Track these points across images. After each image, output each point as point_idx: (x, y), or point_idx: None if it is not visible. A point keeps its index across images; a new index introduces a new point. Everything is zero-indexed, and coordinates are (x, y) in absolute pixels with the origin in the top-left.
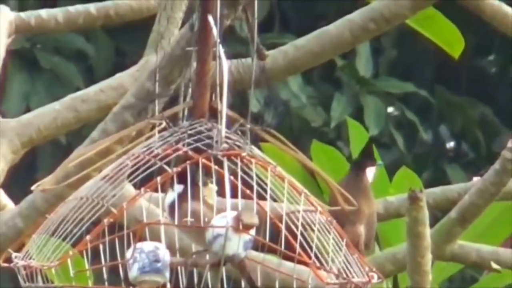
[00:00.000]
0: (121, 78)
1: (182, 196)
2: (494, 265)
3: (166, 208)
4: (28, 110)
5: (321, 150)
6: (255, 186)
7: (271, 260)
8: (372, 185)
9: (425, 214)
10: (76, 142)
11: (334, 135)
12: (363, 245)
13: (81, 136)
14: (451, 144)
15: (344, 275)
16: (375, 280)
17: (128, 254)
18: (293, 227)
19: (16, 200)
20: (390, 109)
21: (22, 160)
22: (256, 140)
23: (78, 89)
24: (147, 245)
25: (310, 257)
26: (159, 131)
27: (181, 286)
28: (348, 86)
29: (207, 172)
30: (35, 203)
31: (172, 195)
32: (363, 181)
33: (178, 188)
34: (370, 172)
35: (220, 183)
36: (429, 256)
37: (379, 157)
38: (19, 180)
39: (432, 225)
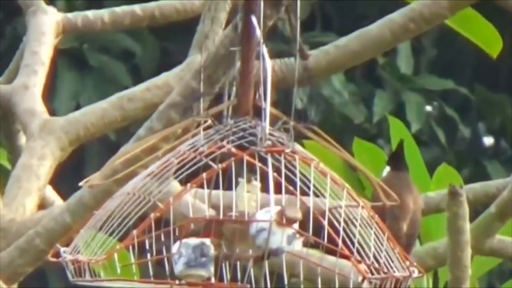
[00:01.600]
0: (167, 77)
1: None
2: None
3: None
4: (78, 108)
5: (362, 147)
6: (298, 182)
7: (314, 254)
8: (412, 180)
9: (465, 209)
10: (124, 140)
11: (376, 131)
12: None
13: (128, 133)
14: (490, 141)
15: (385, 269)
16: (415, 274)
17: (174, 248)
18: (335, 222)
19: (64, 197)
20: (430, 108)
21: (70, 157)
22: (299, 138)
23: (126, 87)
24: (193, 240)
25: (351, 252)
26: (204, 129)
27: (225, 280)
28: (389, 83)
29: (251, 169)
30: (82, 199)
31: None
32: (406, 176)
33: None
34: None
35: (264, 180)
36: (469, 251)
37: (419, 155)
38: (67, 177)
39: (472, 220)
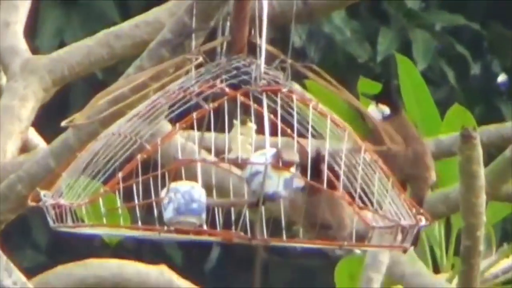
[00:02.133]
0: (157, 13)
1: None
2: None
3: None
4: (62, 46)
5: (369, 87)
6: (295, 123)
7: None
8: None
9: (479, 153)
10: (111, 80)
11: (381, 70)
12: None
13: (116, 73)
14: (503, 79)
15: (391, 217)
16: (423, 223)
17: (163, 194)
18: (335, 166)
19: (48, 140)
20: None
21: (53, 98)
22: (299, 78)
23: (114, 23)
24: (183, 185)
25: (354, 198)
26: (196, 67)
27: (218, 227)
28: (395, 19)
29: (245, 109)
30: (67, 141)
31: None
32: (407, 120)
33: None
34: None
35: (259, 121)
36: (483, 197)
37: (428, 95)
38: (51, 120)
39: (486, 164)
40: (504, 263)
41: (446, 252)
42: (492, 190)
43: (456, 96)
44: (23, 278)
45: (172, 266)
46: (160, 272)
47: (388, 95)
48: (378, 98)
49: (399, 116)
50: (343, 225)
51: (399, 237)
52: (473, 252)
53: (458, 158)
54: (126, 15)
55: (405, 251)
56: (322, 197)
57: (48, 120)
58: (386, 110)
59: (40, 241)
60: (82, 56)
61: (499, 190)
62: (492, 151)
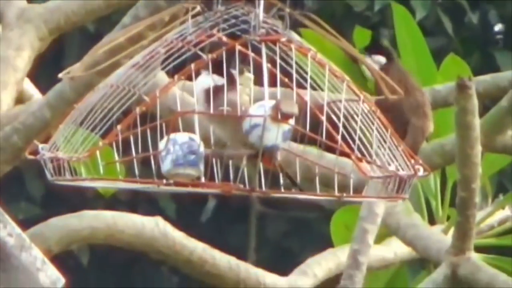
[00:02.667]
0: None
1: (217, 86)
2: None
3: (200, 94)
4: None
5: (364, 36)
6: (294, 74)
7: (311, 151)
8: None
9: (475, 103)
10: (106, 30)
11: (378, 20)
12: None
13: (111, 22)
14: (500, 28)
15: (389, 168)
16: (421, 173)
17: (161, 145)
18: (334, 117)
19: (43, 91)
20: None
21: (49, 48)
22: (296, 26)
23: None
24: (181, 136)
25: (352, 149)
26: (193, 16)
27: (216, 179)
28: None
29: (244, 59)
30: (63, 93)
31: (206, 79)
32: (403, 68)
33: (211, 77)
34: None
35: (258, 71)
36: (478, 148)
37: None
38: (46, 70)
39: (482, 114)
40: (500, 214)
41: (442, 204)
42: (488, 141)
43: (452, 45)
44: (18, 229)
45: (166, 219)
46: (155, 223)
47: (379, 45)
48: (370, 50)
49: (396, 65)
50: None
51: (397, 187)
52: (469, 203)
53: (454, 109)
54: None
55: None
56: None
57: (44, 70)
58: (382, 59)
59: (34, 193)
60: (78, 5)
61: (494, 141)
62: (488, 102)
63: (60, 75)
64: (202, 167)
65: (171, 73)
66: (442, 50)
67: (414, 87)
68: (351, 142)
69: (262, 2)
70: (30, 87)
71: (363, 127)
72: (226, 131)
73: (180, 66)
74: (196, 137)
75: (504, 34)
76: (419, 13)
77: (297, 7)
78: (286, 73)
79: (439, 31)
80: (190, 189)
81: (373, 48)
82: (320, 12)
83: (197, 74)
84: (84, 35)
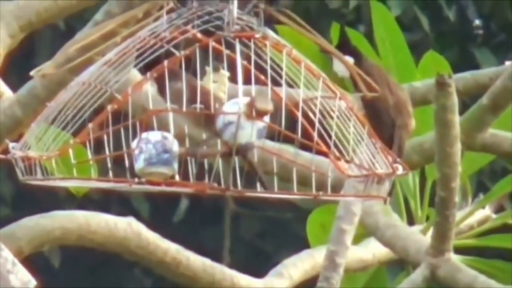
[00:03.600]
0: None
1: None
2: None
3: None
4: None
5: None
6: (269, 70)
7: (287, 150)
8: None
9: (454, 101)
10: (78, 27)
11: (354, 17)
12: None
13: (83, 19)
14: (478, 25)
15: (367, 166)
16: (399, 171)
17: (134, 144)
18: (310, 114)
19: (14, 88)
20: None
21: (20, 45)
22: (270, 23)
23: None
24: (154, 135)
25: (329, 147)
26: (167, 12)
27: (190, 178)
28: None
29: (218, 56)
30: (34, 91)
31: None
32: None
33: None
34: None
35: (233, 68)
36: (458, 146)
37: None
38: (17, 67)
39: (461, 112)
40: (480, 213)
41: (421, 203)
42: (468, 140)
43: (429, 41)
44: None
45: (139, 219)
46: (128, 223)
47: (347, 44)
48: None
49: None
50: None
51: (375, 186)
52: (448, 203)
53: (433, 106)
54: None
55: (385, 201)
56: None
57: (14, 68)
58: (350, 59)
59: (5, 193)
60: (49, 2)
61: (474, 140)
62: (467, 100)
63: (31, 73)
64: (176, 165)
65: (143, 70)
66: (420, 45)
67: (395, 84)
68: (328, 140)
69: None
70: (1, 85)
71: (340, 124)
72: (200, 128)
73: (153, 63)
74: (170, 135)
75: (483, 31)
76: (395, 10)
77: (272, 4)
78: (261, 70)
79: (416, 26)
80: (163, 188)
81: (341, 47)
82: (295, 9)
83: (171, 71)
84: (55, 33)
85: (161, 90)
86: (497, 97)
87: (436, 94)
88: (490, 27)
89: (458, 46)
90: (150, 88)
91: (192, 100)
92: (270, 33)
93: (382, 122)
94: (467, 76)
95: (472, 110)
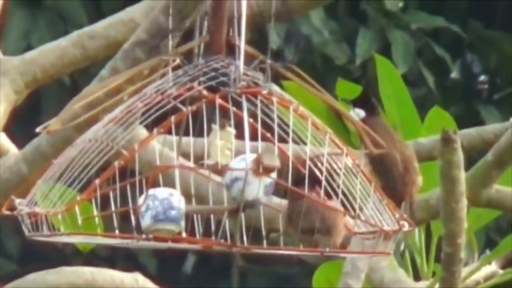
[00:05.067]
0: (132, 12)
1: None
2: None
3: None
4: (29, 48)
5: (348, 89)
6: (276, 127)
7: None
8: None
9: (460, 157)
10: (83, 82)
11: (360, 73)
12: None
13: (88, 75)
14: (484, 82)
15: (373, 223)
16: (406, 228)
17: (141, 201)
18: (317, 171)
19: (19, 144)
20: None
21: (25, 101)
22: (277, 79)
23: (82, 26)
24: (161, 192)
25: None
26: (173, 69)
27: (197, 235)
28: (374, 20)
29: (224, 113)
30: (40, 148)
31: None
32: (382, 122)
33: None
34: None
35: (239, 125)
36: (464, 202)
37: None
38: (23, 123)
39: (467, 168)
40: (486, 269)
41: (427, 259)
42: (473, 196)
43: (434, 97)
44: None
45: (146, 274)
46: (135, 279)
47: (366, 99)
48: (356, 103)
49: (376, 118)
50: (337, 230)
51: (381, 242)
52: (454, 259)
53: (438, 162)
54: (95, 17)
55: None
56: (305, 201)
57: (20, 124)
58: (362, 113)
59: (11, 249)
60: (55, 58)
61: (480, 196)
62: (473, 156)
63: (37, 130)
64: (182, 222)
65: (150, 127)
66: (424, 101)
67: (399, 142)
68: (334, 196)
69: (242, 54)
70: (6, 142)
71: (346, 181)
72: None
73: (159, 120)
74: (177, 192)
75: (488, 88)
76: (401, 67)
77: (278, 59)
78: (268, 127)
79: (421, 82)
80: (170, 244)
81: (360, 101)
82: (301, 65)
83: (177, 127)
84: (61, 88)
85: None
86: (502, 154)
87: (442, 150)
88: (495, 83)
89: (463, 102)
90: (157, 144)
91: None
92: (277, 89)
93: (389, 179)
94: (472, 132)
95: (478, 167)
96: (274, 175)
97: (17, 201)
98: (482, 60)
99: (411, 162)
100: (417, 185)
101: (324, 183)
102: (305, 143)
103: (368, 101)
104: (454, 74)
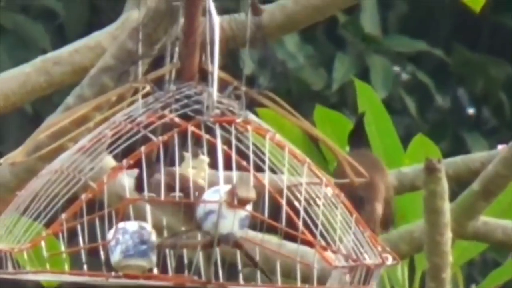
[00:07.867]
0: (99, 37)
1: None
2: None
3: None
4: None
5: (325, 116)
6: (252, 156)
7: (271, 240)
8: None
9: (444, 187)
10: (45, 111)
11: (337, 99)
12: (379, 226)
13: (50, 103)
14: (470, 110)
15: (354, 256)
16: (389, 262)
17: (110, 235)
18: (295, 202)
19: None
20: (399, 71)
21: None
22: (252, 105)
23: (44, 51)
24: (131, 225)
25: (315, 236)
26: (143, 96)
27: (169, 270)
28: (352, 44)
29: (197, 141)
30: (3, 179)
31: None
32: (368, 153)
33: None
34: None
35: (213, 153)
36: (449, 235)
37: (390, 124)
38: None
39: (452, 199)
40: None
41: None
42: (459, 228)
43: (419, 126)
44: None
45: None
46: None
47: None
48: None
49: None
50: None
51: (363, 277)
52: None
53: (422, 193)
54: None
55: None
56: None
57: None
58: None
59: None
60: (18, 85)
61: (466, 228)
62: (458, 186)
63: (1, 161)
64: (154, 257)
65: (119, 157)
66: (409, 131)
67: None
68: (313, 228)
69: (215, 81)
70: None
71: (326, 212)
72: (179, 218)
73: (129, 150)
74: (147, 225)
75: (474, 116)
76: (381, 93)
77: (253, 86)
78: (243, 155)
79: (406, 111)
80: (141, 281)
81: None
82: (276, 91)
83: (148, 157)
84: (22, 117)
85: (138, 183)
86: (489, 183)
87: (425, 180)
88: (481, 111)
89: (448, 130)
90: (126, 176)
91: (170, 188)
92: (252, 117)
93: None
94: (457, 160)
95: (463, 197)
96: (249, 207)
97: None
98: (468, 86)
99: (380, 194)
100: (377, 214)
101: (302, 214)
102: (282, 173)
103: (360, 134)
104: (439, 101)
